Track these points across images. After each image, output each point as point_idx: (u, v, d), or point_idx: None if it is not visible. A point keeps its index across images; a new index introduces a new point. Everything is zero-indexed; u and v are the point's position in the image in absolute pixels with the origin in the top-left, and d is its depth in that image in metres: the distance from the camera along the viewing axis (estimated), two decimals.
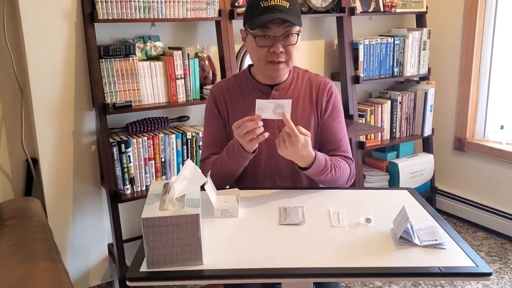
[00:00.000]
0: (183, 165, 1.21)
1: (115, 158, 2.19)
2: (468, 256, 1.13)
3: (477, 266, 1.09)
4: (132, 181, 2.26)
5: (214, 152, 1.62)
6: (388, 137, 3.10)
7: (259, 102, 1.37)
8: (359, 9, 2.82)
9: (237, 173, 1.56)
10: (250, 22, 1.49)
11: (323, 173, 1.49)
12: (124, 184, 2.23)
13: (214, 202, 1.34)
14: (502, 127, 2.99)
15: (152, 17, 2.19)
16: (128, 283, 1.07)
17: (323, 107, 1.60)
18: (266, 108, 1.37)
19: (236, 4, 2.43)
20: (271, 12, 1.44)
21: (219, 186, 1.48)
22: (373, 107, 2.99)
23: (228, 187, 1.57)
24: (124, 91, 2.19)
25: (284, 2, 1.45)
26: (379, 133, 3.03)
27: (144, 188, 2.29)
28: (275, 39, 1.47)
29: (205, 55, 2.43)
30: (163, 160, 2.32)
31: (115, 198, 2.21)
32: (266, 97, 1.59)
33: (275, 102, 1.37)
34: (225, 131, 1.64)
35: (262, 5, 1.45)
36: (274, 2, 1.45)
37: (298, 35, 1.50)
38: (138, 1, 2.14)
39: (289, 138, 1.36)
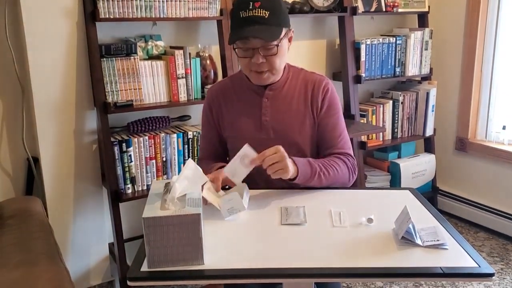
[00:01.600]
0: (184, 164, 1.21)
1: (116, 158, 2.19)
2: (471, 256, 1.12)
3: (480, 266, 1.08)
4: (133, 181, 2.25)
5: (209, 154, 1.69)
6: (390, 137, 3.09)
7: (227, 171, 1.40)
8: (361, 8, 2.82)
9: None
10: (231, 33, 1.50)
11: (314, 173, 1.47)
12: (125, 184, 2.23)
13: (217, 206, 1.34)
14: (504, 128, 2.98)
15: (153, 16, 2.19)
16: (129, 283, 1.07)
17: (318, 105, 1.59)
18: (236, 169, 1.39)
19: None
20: (249, 24, 1.43)
21: None
22: (374, 107, 2.99)
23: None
24: (125, 90, 2.19)
25: (263, 11, 1.43)
26: (381, 133, 3.02)
27: (145, 187, 2.29)
28: (255, 50, 1.47)
29: (207, 55, 2.42)
30: (164, 159, 2.31)
31: (116, 198, 2.21)
32: (260, 98, 1.60)
33: (236, 158, 1.39)
34: (218, 135, 1.67)
35: (241, 16, 1.45)
36: (253, 12, 1.43)
37: (278, 45, 1.48)
38: (140, 0, 2.13)
39: (278, 161, 1.37)
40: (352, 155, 1.62)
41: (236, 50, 1.51)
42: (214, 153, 1.68)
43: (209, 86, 2.36)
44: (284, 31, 1.49)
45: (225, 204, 1.34)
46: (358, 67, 2.86)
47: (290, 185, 1.59)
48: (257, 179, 1.58)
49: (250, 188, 1.50)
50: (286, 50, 1.54)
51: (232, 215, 1.33)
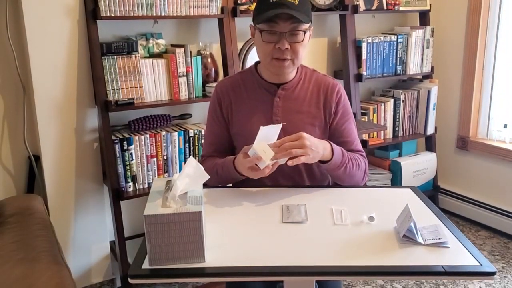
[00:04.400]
0: (185, 162, 1.21)
1: (117, 156, 2.19)
2: (472, 255, 1.12)
3: (481, 265, 1.08)
4: (134, 179, 2.25)
5: (214, 150, 1.65)
6: (391, 135, 3.09)
7: (251, 153, 1.37)
8: (362, 7, 2.81)
9: (233, 182, 1.59)
10: (257, 16, 1.48)
11: (343, 162, 1.50)
12: (126, 182, 2.23)
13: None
14: (505, 126, 2.97)
15: (154, 14, 2.19)
16: (130, 281, 1.07)
17: (332, 111, 1.60)
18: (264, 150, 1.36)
19: (239, 2, 2.42)
20: (279, 7, 1.43)
21: (215, 185, 1.54)
22: (376, 106, 2.99)
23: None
24: (126, 88, 2.19)
25: None
26: (382, 132, 3.02)
27: (146, 185, 2.29)
28: (282, 35, 1.46)
29: (208, 53, 2.42)
30: (165, 157, 2.31)
31: (117, 196, 2.21)
32: (272, 96, 1.59)
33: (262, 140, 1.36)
34: (226, 131, 1.64)
35: (271, 0, 1.44)
36: None
37: (305, 32, 1.48)
38: None
39: (301, 144, 1.37)
40: (366, 157, 1.64)
41: (261, 33, 1.48)
42: (221, 149, 1.65)
43: (210, 85, 2.37)
44: (310, 23, 1.50)
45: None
46: (359, 66, 2.86)
47: (295, 184, 1.59)
48: (264, 180, 1.58)
49: (256, 187, 1.51)
50: (307, 44, 1.54)
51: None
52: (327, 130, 1.61)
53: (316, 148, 1.41)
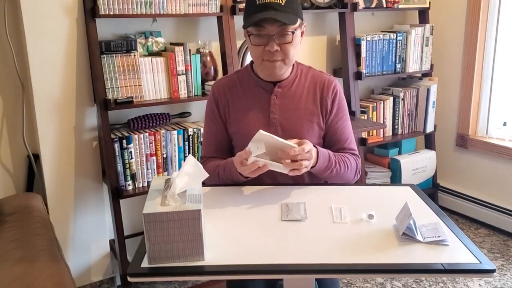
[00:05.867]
0: (184, 161, 1.21)
1: (117, 154, 2.19)
2: (472, 252, 1.12)
3: (481, 262, 1.08)
4: (133, 177, 2.25)
5: (213, 151, 1.65)
6: (390, 133, 3.09)
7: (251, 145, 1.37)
8: (361, 5, 2.81)
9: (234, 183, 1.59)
10: (245, 20, 1.49)
11: (329, 167, 1.50)
12: (126, 180, 2.23)
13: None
14: (505, 124, 2.97)
15: (153, 13, 2.19)
16: (129, 279, 1.07)
17: (328, 107, 1.60)
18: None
19: (237, 0, 2.42)
20: (265, 10, 1.43)
21: (218, 184, 1.54)
22: (375, 104, 2.98)
23: None
24: (125, 87, 2.19)
25: None
26: (381, 130, 3.02)
27: (145, 184, 2.29)
28: (270, 37, 1.46)
29: (207, 51, 2.42)
30: (164, 156, 2.31)
31: (117, 194, 2.21)
32: (269, 94, 1.59)
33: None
34: (225, 130, 1.64)
35: (257, 3, 1.44)
36: None
37: (293, 33, 1.47)
38: None
39: (309, 156, 1.39)
40: (358, 154, 1.64)
41: (250, 37, 1.48)
42: (220, 150, 1.65)
43: (209, 83, 2.36)
44: (299, 21, 1.49)
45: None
46: (358, 64, 2.85)
47: (295, 182, 1.59)
48: (264, 178, 1.58)
49: (256, 185, 1.51)
50: (299, 42, 1.53)
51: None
52: (324, 126, 1.61)
53: (314, 154, 1.43)
